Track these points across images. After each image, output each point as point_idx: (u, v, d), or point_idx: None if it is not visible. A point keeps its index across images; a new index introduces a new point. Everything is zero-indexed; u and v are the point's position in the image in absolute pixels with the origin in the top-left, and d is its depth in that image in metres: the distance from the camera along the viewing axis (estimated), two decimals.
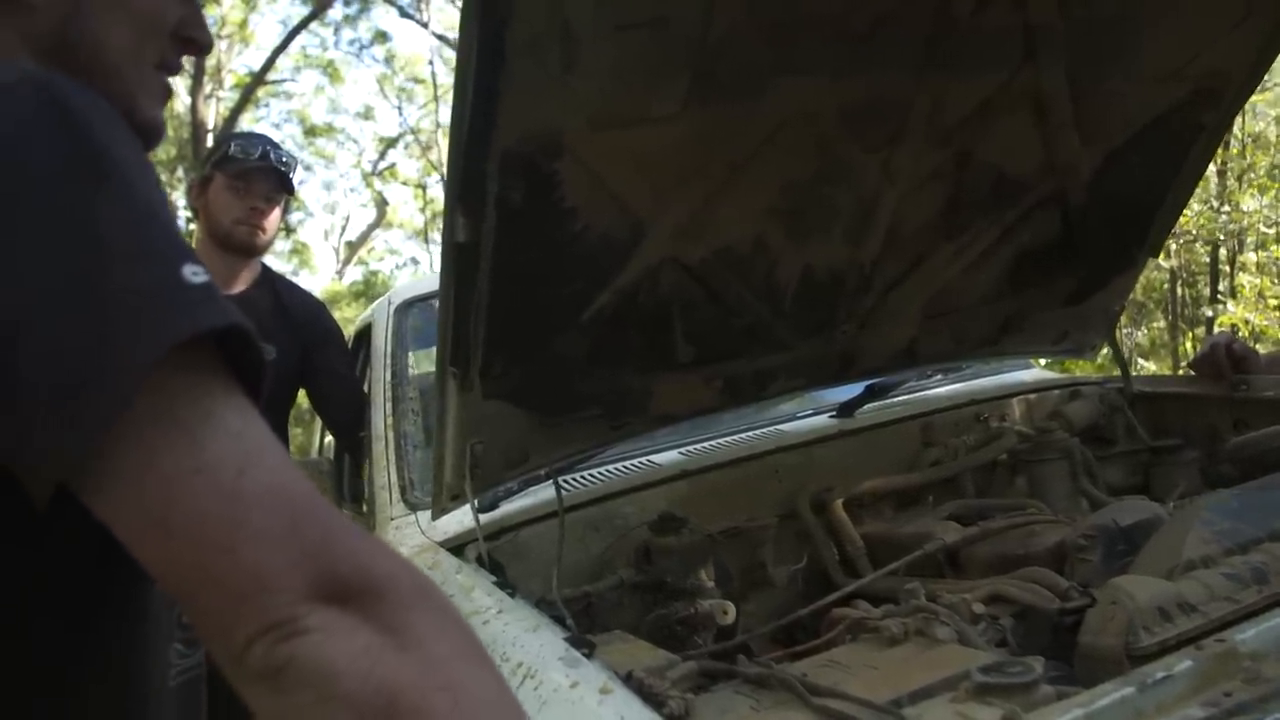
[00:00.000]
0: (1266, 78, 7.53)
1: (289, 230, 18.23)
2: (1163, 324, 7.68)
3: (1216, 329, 6.09)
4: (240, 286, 2.75)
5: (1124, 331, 7.18)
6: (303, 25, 16.40)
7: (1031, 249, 2.14)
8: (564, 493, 1.89)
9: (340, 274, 21.20)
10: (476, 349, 1.62)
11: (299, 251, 20.08)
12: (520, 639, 1.28)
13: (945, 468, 2.07)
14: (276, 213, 2.80)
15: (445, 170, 1.51)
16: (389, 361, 2.47)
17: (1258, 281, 6.14)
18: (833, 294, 1.97)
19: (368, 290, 18.17)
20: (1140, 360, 8.09)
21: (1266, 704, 1.02)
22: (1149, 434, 2.31)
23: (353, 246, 21.54)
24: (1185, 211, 7.09)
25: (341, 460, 2.89)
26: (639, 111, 1.52)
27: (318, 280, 20.90)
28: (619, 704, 1.06)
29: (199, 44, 0.92)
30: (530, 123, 1.42)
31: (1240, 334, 5.91)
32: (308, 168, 19.95)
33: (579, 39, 1.37)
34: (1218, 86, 2.04)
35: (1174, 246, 6.84)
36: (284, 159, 2.78)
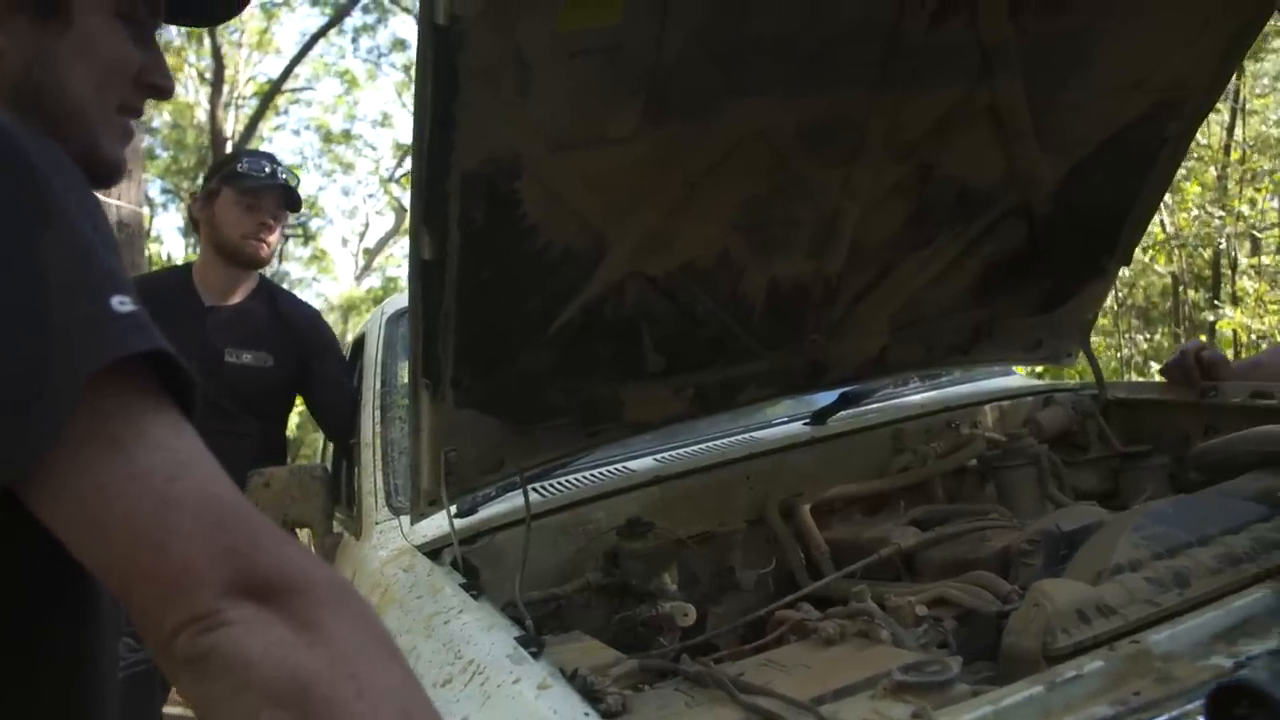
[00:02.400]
0: (1266, 82, 7.52)
1: (309, 237, 18.41)
2: (1171, 330, 7.67)
3: (1216, 334, 6.12)
4: (239, 297, 2.83)
5: (1126, 337, 7.20)
6: (321, 34, 16.56)
7: (999, 259, 2.19)
8: (540, 499, 1.96)
9: (359, 280, 21.37)
10: (447, 361, 1.68)
11: (319, 258, 20.27)
12: (474, 638, 1.34)
13: (913, 473, 2.12)
14: (280, 229, 2.90)
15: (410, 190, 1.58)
16: (379, 370, 2.54)
17: (1257, 287, 6.13)
18: (800, 305, 2.03)
19: (386, 297, 18.29)
20: (1153, 364, 8.07)
21: (1172, 701, 1.06)
22: (1124, 440, 2.34)
23: (371, 253, 21.71)
24: (1186, 217, 7.16)
25: (340, 466, 2.96)
26: (595, 133, 1.58)
27: (338, 287, 21.07)
28: (554, 698, 1.12)
29: (161, 89, 1.00)
30: (488, 147, 1.49)
31: (1241, 339, 5.91)
32: (328, 174, 20.13)
33: (533, 66, 1.43)
34: (1179, 98, 2.08)
35: (1175, 252, 6.87)
36: (289, 177, 2.87)
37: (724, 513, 2.02)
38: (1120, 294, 7.37)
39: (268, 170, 2.82)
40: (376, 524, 2.13)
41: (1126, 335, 7.23)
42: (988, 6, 1.78)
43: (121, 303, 0.73)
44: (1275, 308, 5.99)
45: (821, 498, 2.02)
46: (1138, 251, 7.54)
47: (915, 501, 2.13)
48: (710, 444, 2.21)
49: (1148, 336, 7.40)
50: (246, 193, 2.77)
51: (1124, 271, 7.46)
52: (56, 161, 0.78)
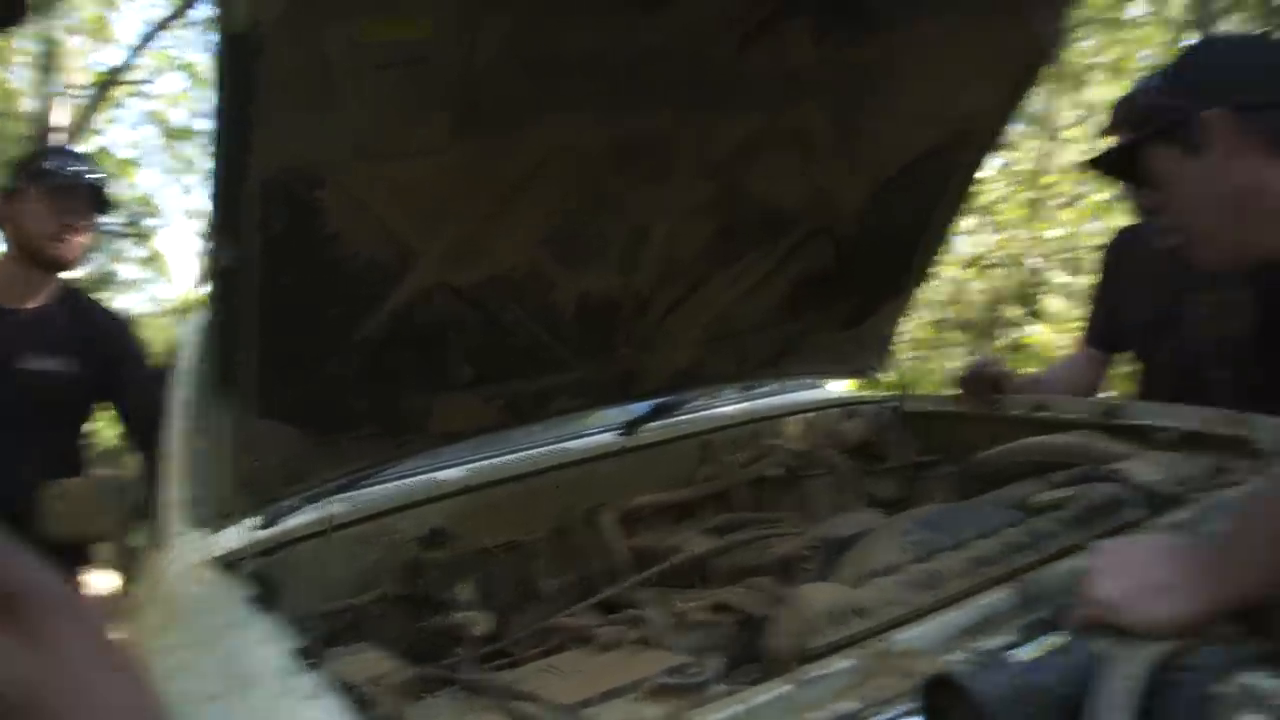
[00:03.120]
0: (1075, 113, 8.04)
1: (142, 237, 17.60)
2: (989, 345, 8.10)
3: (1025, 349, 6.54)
4: (39, 301, 2.71)
5: (947, 351, 7.60)
6: (163, 24, 15.88)
7: (806, 276, 2.28)
8: (344, 508, 1.94)
9: (198, 284, 20.53)
10: (248, 369, 1.66)
11: (154, 259, 19.39)
12: (251, 651, 1.33)
13: (716, 483, 2.18)
14: (88, 230, 2.78)
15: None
16: (190, 379, 2.47)
17: (1062, 305, 6.59)
18: (611, 317, 2.07)
19: None
20: None
21: (913, 695, 1.14)
22: (921, 449, 2.47)
23: None
24: (1004, 237, 7.61)
25: (148, 477, 2.87)
26: (403, 145, 1.58)
27: (174, 289, 20.20)
28: (321, 710, 1.12)
29: None
30: (289, 154, 1.48)
31: (1047, 355, 6.29)
32: (168, 172, 19.29)
33: (336, 75, 1.42)
34: (972, 129, 2.21)
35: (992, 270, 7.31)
36: (98, 177, 2.76)
37: (530, 522, 2.04)
38: (941, 309, 7.74)
39: (75, 169, 2.71)
40: (177, 535, 2.08)
41: (947, 350, 7.62)
42: (794, 35, 1.85)
43: None
44: (1075, 325, 6.41)
45: (627, 506, 2.07)
46: (959, 269, 7.99)
47: (721, 510, 2.20)
48: (520, 454, 2.23)
49: (969, 351, 7.80)
50: (53, 192, 2.66)
51: (945, 288, 7.89)
52: None
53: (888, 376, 2.74)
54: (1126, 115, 1.58)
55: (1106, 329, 2.62)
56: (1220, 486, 1.63)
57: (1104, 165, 1.67)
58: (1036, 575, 1.33)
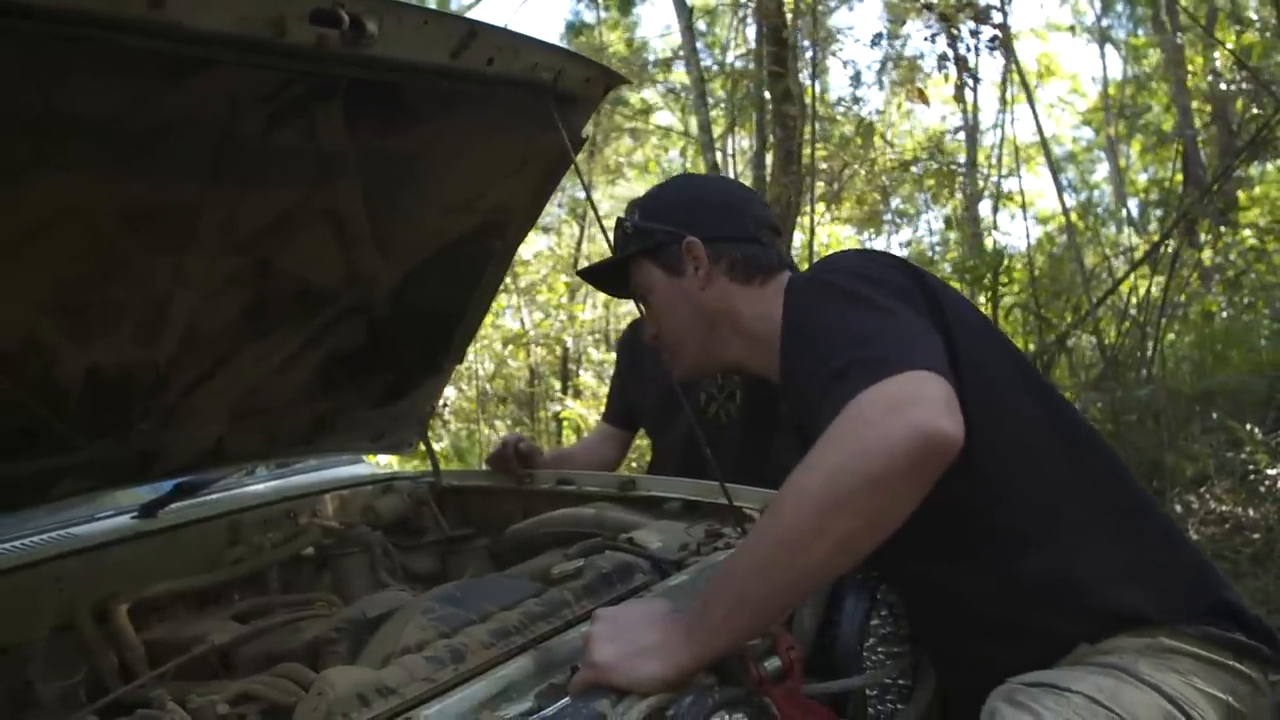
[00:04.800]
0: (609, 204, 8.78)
1: None
2: (527, 418, 8.54)
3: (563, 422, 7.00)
4: None
5: (490, 423, 7.91)
6: None
7: (340, 353, 2.27)
8: None
9: None
10: None
11: None
12: None
13: (244, 566, 2.09)
14: None
15: None
16: None
17: (595, 382, 7.14)
18: (126, 393, 1.93)
19: None
20: None
21: None
22: (458, 523, 2.53)
23: None
24: (544, 317, 8.09)
25: None
26: None
27: None
28: None
29: None
30: None
31: (581, 426, 6.75)
32: None
33: None
34: (502, 220, 2.34)
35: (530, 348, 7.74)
36: None
37: (25, 621, 1.82)
38: (484, 385, 8.01)
39: None
40: None
41: (490, 421, 7.90)
42: (326, 118, 1.86)
43: None
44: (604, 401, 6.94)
45: (143, 596, 1.91)
46: (499, 346, 8.35)
47: (250, 594, 2.11)
48: (18, 543, 1.99)
49: (509, 424, 8.15)
50: None
51: (488, 363, 8.20)
52: None
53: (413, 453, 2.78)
54: (618, 235, 1.79)
55: (622, 409, 2.87)
56: (713, 550, 1.84)
57: (595, 276, 1.89)
58: (551, 643, 1.42)
